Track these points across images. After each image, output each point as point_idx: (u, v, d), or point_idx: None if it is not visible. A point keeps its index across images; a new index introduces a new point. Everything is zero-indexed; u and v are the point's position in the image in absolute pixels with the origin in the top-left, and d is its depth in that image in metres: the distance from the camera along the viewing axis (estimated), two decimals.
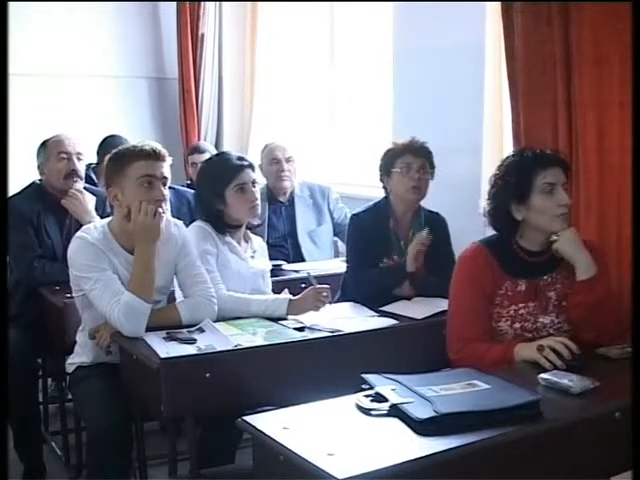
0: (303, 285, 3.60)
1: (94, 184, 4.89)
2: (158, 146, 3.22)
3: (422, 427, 2.09)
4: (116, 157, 3.22)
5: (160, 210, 3.13)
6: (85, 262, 3.13)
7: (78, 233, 3.24)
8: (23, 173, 4.37)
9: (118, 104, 8.08)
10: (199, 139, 7.53)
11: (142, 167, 3.12)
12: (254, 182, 3.58)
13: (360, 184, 5.62)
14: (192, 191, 4.91)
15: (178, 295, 3.41)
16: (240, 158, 3.59)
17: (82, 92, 7.89)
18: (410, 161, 3.70)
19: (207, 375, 2.78)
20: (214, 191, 3.53)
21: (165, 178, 3.18)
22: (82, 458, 3.85)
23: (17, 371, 3.85)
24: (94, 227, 3.27)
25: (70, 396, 3.88)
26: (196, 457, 2.95)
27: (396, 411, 2.19)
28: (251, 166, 3.60)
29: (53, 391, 4.65)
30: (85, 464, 3.63)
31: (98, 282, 3.09)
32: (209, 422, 3.28)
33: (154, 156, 3.15)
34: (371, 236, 3.72)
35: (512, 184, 2.88)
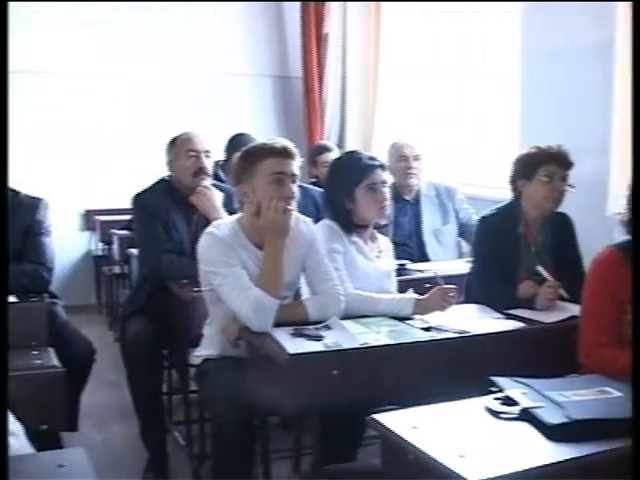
0: (428, 285, 3.58)
1: (221, 181, 4.97)
2: (289, 144, 3.25)
3: (553, 432, 2.06)
4: (247, 154, 3.26)
5: (289, 207, 3.17)
6: (215, 257, 3.18)
7: (208, 229, 3.30)
8: (157, 169, 4.48)
9: (244, 102, 8.23)
10: (322, 138, 7.57)
11: (273, 164, 3.15)
12: (384, 182, 3.57)
13: (486, 185, 5.57)
14: (318, 189, 4.94)
15: (304, 292, 3.44)
16: (371, 158, 3.58)
17: (209, 89, 8.04)
18: (554, 170, 3.61)
19: (334, 372, 2.79)
20: (344, 190, 3.54)
21: (295, 176, 3.20)
22: (205, 449, 3.94)
23: (143, 362, 3.97)
24: (224, 223, 3.32)
25: (194, 387, 3.97)
26: (321, 453, 2.97)
27: (526, 415, 2.17)
28: (382, 166, 3.59)
29: (177, 382, 4.75)
30: (209, 455, 3.72)
31: (227, 277, 3.14)
32: (333, 419, 3.29)
33: (285, 154, 3.18)
34: (499, 240, 3.68)
35: None
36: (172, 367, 4.58)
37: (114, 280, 7.32)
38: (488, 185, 5.54)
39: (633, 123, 2.84)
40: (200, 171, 4.22)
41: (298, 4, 8.07)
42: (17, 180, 4.15)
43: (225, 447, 3.09)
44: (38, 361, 2.93)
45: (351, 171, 3.55)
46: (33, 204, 4.03)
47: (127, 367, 4.10)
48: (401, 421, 2.15)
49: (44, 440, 2.40)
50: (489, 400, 2.29)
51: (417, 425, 2.11)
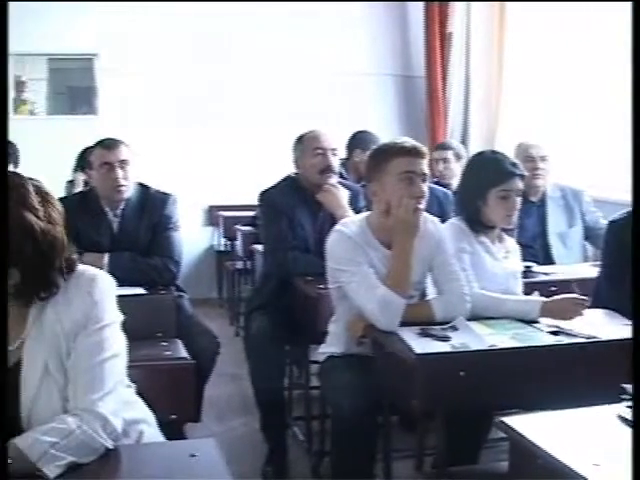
0: (553, 288, 3.52)
1: (344, 178, 4.99)
2: (418, 143, 3.24)
3: None
4: (377, 153, 3.27)
5: (419, 206, 3.16)
6: (343, 255, 3.19)
7: (337, 226, 3.31)
8: (282, 167, 4.52)
9: (366, 100, 8.26)
10: (445, 137, 7.52)
11: (403, 163, 3.15)
12: (519, 191, 3.51)
13: (612, 187, 5.45)
14: (442, 189, 4.92)
15: (429, 292, 3.42)
16: (513, 164, 3.52)
17: (333, 88, 8.09)
18: None
19: (461, 373, 2.76)
20: (478, 189, 3.49)
21: (425, 175, 3.19)
22: (324, 445, 3.94)
23: (265, 357, 4.01)
24: (352, 221, 3.33)
25: (315, 383, 4.00)
26: (445, 453, 2.95)
27: None
28: (522, 176, 3.52)
29: (297, 378, 4.79)
30: (328, 451, 3.74)
31: (355, 275, 3.14)
32: (456, 419, 3.27)
33: (415, 153, 3.17)
34: (630, 244, 3.58)
35: None
36: (294, 363, 4.61)
37: (236, 275, 7.40)
38: (614, 187, 5.41)
39: (633, 123, 2.76)
40: (327, 169, 4.23)
41: (422, 3, 8.04)
42: (147, 176, 4.27)
43: (346, 444, 3.10)
44: (168, 352, 3.00)
45: (490, 172, 3.50)
46: (162, 199, 4.13)
47: (250, 361, 4.16)
48: (530, 425, 2.11)
49: (168, 430, 2.44)
50: (621, 408, 2.23)
51: (546, 430, 2.07)
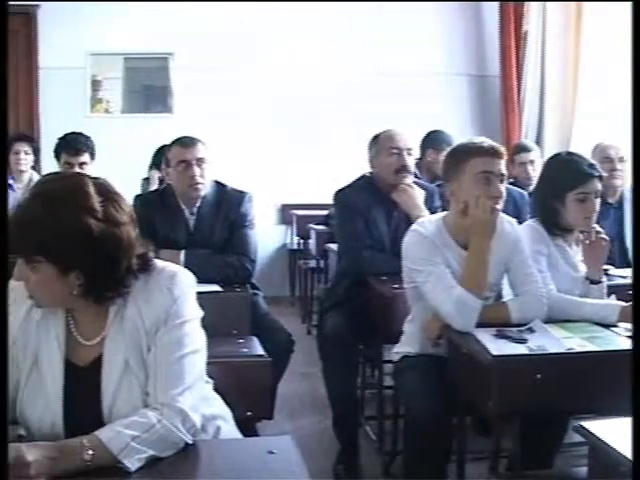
0: (631, 292, 3.46)
1: (417, 178, 4.97)
2: (496, 143, 3.22)
3: None
4: (455, 153, 3.26)
5: (497, 207, 3.14)
6: (419, 255, 3.19)
7: (413, 226, 3.31)
8: (356, 166, 4.52)
9: (439, 100, 8.22)
10: (520, 137, 7.45)
11: (481, 163, 3.13)
12: (597, 193, 3.46)
13: None
14: (518, 190, 4.87)
15: (505, 293, 3.39)
16: (591, 165, 3.46)
17: (407, 87, 8.08)
18: None
19: (538, 376, 2.73)
20: (555, 191, 3.45)
21: (503, 175, 3.17)
22: (397, 445, 3.94)
23: (339, 356, 4.01)
24: (429, 221, 3.32)
25: (388, 383, 3.99)
26: (520, 456, 2.93)
27: None
28: (600, 177, 3.47)
29: (370, 377, 4.79)
30: (400, 451, 3.73)
31: (431, 275, 3.14)
32: (532, 422, 3.24)
33: (493, 153, 3.15)
34: None
35: None
36: (367, 362, 4.61)
37: (309, 274, 7.45)
38: None
39: (633, 122, 2.70)
40: (402, 168, 4.22)
41: (497, 3, 7.99)
42: (221, 174, 4.30)
43: (420, 445, 3.09)
44: (245, 349, 3.02)
45: (567, 174, 3.45)
46: (238, 197, 4.16)
47: (323, 360, 4.16)
48: (610, 430, 2.08)
49: (241, 426, 2.46)
50: None
51: (627, 436, 2.04)
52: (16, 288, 2.15)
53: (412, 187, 4.23)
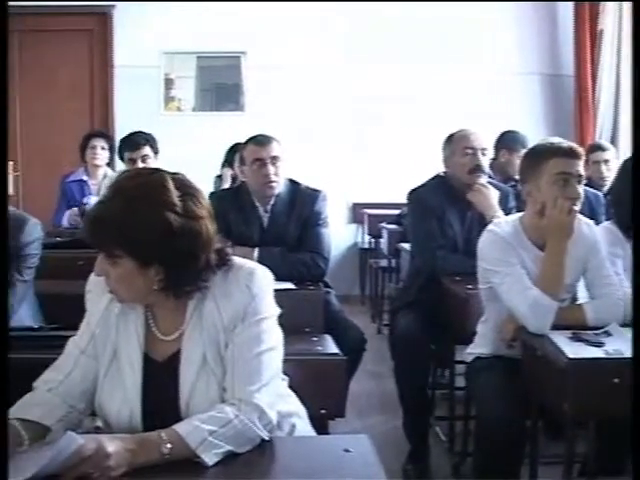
0: None
1: (490, 178, 4.93)
2: (574, 144, 3.19)
3: None
4: (533, 153, 3.24)
5: (575, 208, 3.10)
6: (495, 256, 3.17)
7: (489, 227, 3.29)
8: (427, 166, 4.51)
9: (513, 100, 8.17)
10: (594, 137, 7.36)
11: (559, 164, 3.09)
12: None
13: None
14: (593, 191, 4.81)
15: (580, 295, 3.35)
16: None
17: (482, 87, 8.05)
18: None
19: (615, 380, 2.69)
20: (632, 193, 3.41)
21: (581, 176, 3.13)
22: (467, 446, 3.91)
23: (411, 356, 3.99)
24: (505, 222, 3.30)
25: (459, 384, 3.97)
26: (595, 462, 2.89)
27: None
28: None
29: (440, 377, 4.77)
30: (471, 452, 3.71)
31: (507, 276, 3.11)
32: (607, 428, 3.20)
33: (571, 154, 3.12)
34: None
35: None
36: (438, 362, 4.58)
37: (380, 273, 7.41)
38: None
39: (633, 122, 2.62)
40: (476, 168, 4.18)
41: (572, 2, 7.91)
42: (293, 172, 4.32)
43: (492, 447, 3.07)
44: (319, 347, 3.02)
45: None
46: (312, 196, 4.18)
47: (395, 359, 4.16)
48: None
49: (313, 424, 2.46)
50: None
51: None
52: (96, 282, 2.19)
53: (487, 187, 4.20)
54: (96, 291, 2.20)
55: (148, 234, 1.99)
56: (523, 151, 5.14)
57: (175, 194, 2.03)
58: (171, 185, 2.04)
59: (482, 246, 3.26)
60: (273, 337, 2.14)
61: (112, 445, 1.81)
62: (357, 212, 8.25)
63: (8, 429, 1.92)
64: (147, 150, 5.19)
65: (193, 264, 2.06)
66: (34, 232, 3.35)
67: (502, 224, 3.26)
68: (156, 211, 2.00)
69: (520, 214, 3.33)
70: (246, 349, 2.08)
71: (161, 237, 2.00)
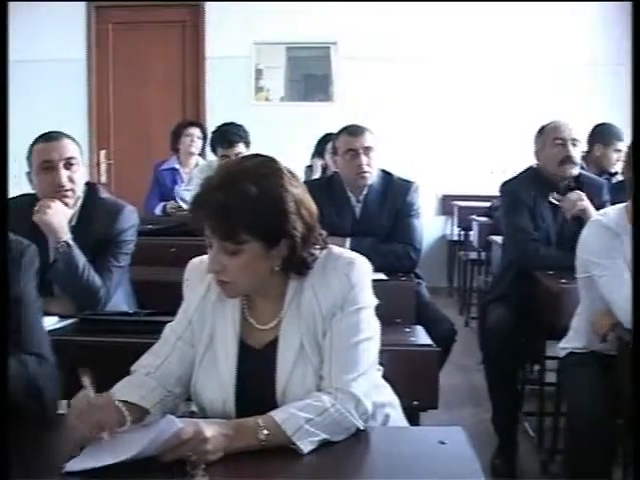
0: None
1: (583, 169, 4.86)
2: None
3: None
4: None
5: None
6: (598, 247, 3.13)
7: (594, 216, 3.28)
8: (519, 158, 4.47)
9: (601, 92, 8.10)
10: None
11: None
12: None
13: None
14: None
15: None
16: None
17: (569, 79, 7.98)
18: None
19: None
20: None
21: None
22: (556, 443, 3.86)
23: (501, 350, 3.96)
24: (612, 211, 3.24)
25: (549, 380, 3.92)
26: None
27: None
28: None
29: (529, 372, 4.72)
30: (560, 450, 3.67)
31: (607, 269, 3.07)
32: None
33: None
34: None
35: None
36: (528, 357, 4.53)
37: (469, 265, 7.38)
38: None
39: (633, 122, 2.51)
40: (566, 159, 4.12)
41: None
42: (384, 163, 4.32)
43: (584, 445, 3.01)
44: (412, 338, 3.02)
45: None
46: (405, 187, 4.18)
47: (484, 353, 4.14)
48: None
49: (406, 415, 2.46)
50: None
51: None
52: (194, 270, 2.23)
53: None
54: (194, 279, 2.23)
55: (278, 211, 2.03)
56: (619, 144, 5.11)
57: (287, 173, 2.09)
58: (281, 165, 2.11)
59: (585, 236, 3.22)
60: (371, 327, 2.14)
61: (210, 430, 1.83)
62: (447, 204, 8.22)
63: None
64: (241, 147, 5.23)
65: (312, 235, 2.11)
66: (131, 219, 3.40)
67: (608, 213, 3.22)
68: (282, 186, 2.04)
69: (625, 204, 3.24)
70: (344, 338, 2.09)
71: (289, 211, 2.03)
